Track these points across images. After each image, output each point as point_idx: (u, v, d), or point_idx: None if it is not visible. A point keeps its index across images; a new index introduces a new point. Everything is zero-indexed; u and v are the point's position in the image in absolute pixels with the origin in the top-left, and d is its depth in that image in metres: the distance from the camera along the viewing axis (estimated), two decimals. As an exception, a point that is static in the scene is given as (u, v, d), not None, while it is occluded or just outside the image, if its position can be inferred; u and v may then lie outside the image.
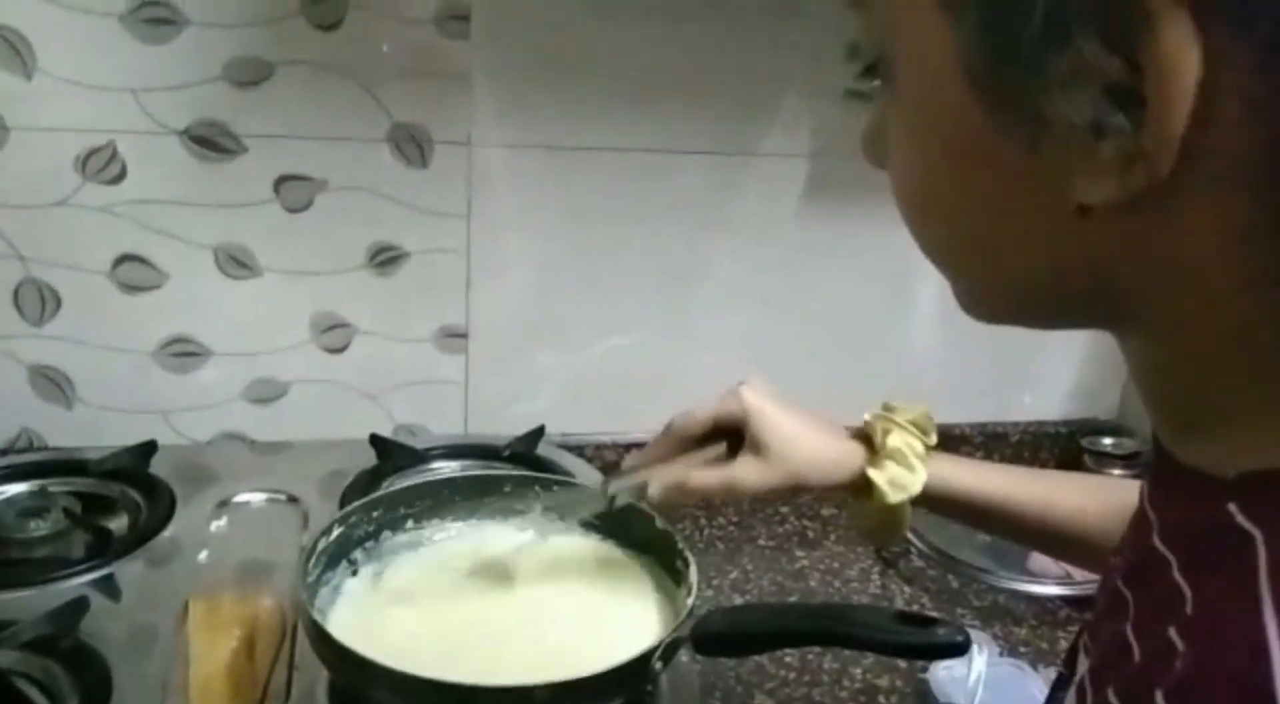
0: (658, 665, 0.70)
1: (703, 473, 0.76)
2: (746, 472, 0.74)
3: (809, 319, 1.31)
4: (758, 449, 0.75)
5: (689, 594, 0.76)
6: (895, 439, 0.74)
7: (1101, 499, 0.72)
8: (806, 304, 1.31)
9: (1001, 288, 0.41)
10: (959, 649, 0.63)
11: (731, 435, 0.77)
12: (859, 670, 0.99)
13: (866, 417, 0.78)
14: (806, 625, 0.67)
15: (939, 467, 0.75)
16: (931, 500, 0.75)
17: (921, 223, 0.42)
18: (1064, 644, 1.04)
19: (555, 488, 0.88)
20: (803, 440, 0.75)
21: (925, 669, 0.99)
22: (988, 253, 0.40)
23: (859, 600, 1.11)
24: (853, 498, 0.78)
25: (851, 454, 0.76)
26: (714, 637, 0.69)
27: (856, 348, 1.33)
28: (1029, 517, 0.74)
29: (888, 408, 0.78)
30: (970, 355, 1.40)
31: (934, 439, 0.76)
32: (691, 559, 0.79)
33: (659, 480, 0.77)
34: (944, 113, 0.37)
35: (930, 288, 1.35)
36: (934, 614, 0.68)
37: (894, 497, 0.73)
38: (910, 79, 0.38)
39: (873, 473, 0.74)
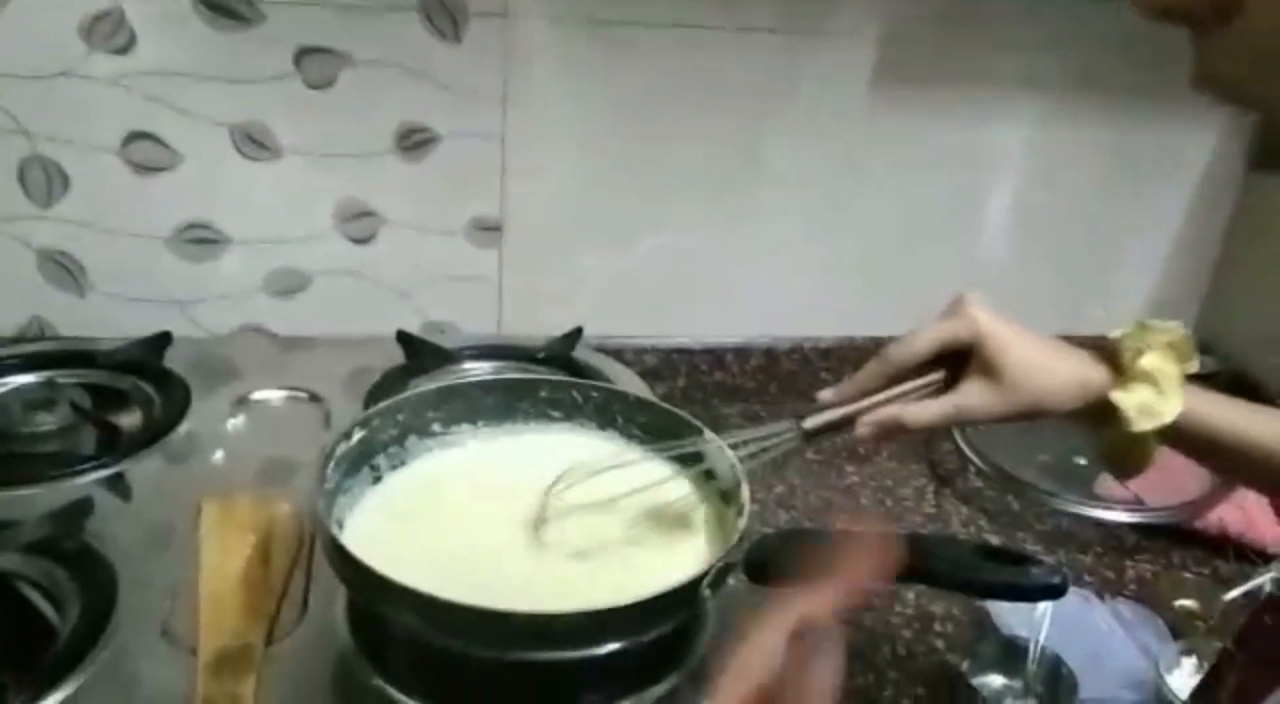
0: (707, 592, 0.63)
1: (920, 407, 0.68)
2: (975, 399, 0.66)
3: (871, 221, 1.22)
4: (990, 374, 0.66)
5: (741, 514, 0.69)
6: (1148, 361, 0.66)
7: None
8: (869, 204, 1.21)
9: None
10: (1056, 591, 0.56)
11: (951, 360, 0.68)
12: (913, 596, 0.93)
13: (1116, 333, 0.69)
14: (878, 557, 0.60)
15: (1196, 400, 0.66)
16: (1182, 436, 0.67)
17: None
18: (1132, 574, 0.97)
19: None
20: (1040, 363, 0.67)
21: (985, 596, 0.93)
22: None
23: (912, 521, 1.04)
24: (1092, 426, 0.69)
25: (1094, 377, 0.68)
26: (770, 565, 0.62)
27: (921, 254, 1.24)
28: None
29: (1142, 326, 0.68)
30: (1042, 265, 1.31)
31: (1195, 366, 0.67)
32: (743, 474, 0.72)
33: (870, 417, 0.69)
34: None
35: (1002, 191, 1.25)
36: (1021, 548, 0.60)
37: (1141, 424, 0.65)
38: None
39: (1117, 396, 0.66)
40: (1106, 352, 0.69)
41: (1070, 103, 1.21)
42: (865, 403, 0.69)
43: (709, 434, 0.76)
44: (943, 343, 0.68)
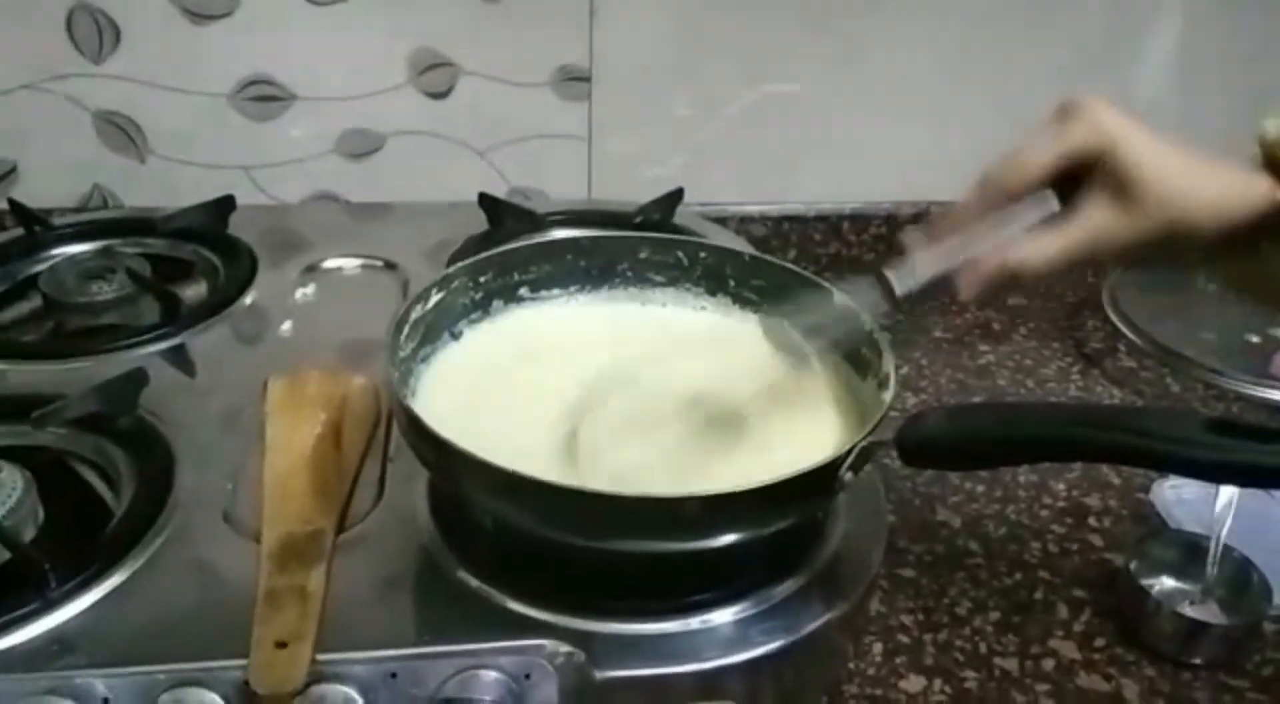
0: (846, 477, 0.53)
1: (1037, 246, 0.55)
2: (1108, 223, 0.53)
3: (1012, 63, 1.06)
4: (1124, 190, 0.53)
5: (883, 387, 0.58)
6: None
7: None
8: (1010, 43, 1.05)
9: None
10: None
11: (1066, 182, 0.55)
12: (1062, 486, 0.82)
13: (1269, 129, 0.55)
14: (1072, 433, 0.48)
15: None
16: None
17: None
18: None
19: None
20: (1185, 171, 0.54)
21: (1147, 487, 0.82)
22: None
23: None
24: (1250, 252, 0.56)
25: (1258, 183, 0.54)
26: (931, 445, 0.51)
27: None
28: None
29: None
30: (1208, 119, 1.14)
31: None
32: (885, 343, 0.61)
33: (973, 265, 0.56)
34: None
35: (1163, 32, 1.08)
36: (1264, 423, 0.49)
37: None
38: None
39: None
40: (1265, 153, 0.55)
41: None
42: (969, 252, 0.56)
43: (839, 297, 0.64)
44: (1065, 155, 0.55)
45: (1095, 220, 0.54)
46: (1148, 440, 0.44)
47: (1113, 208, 0.54)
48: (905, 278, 0.57)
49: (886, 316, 0.60)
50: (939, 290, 0.57)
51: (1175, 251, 0.55)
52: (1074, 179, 0.55)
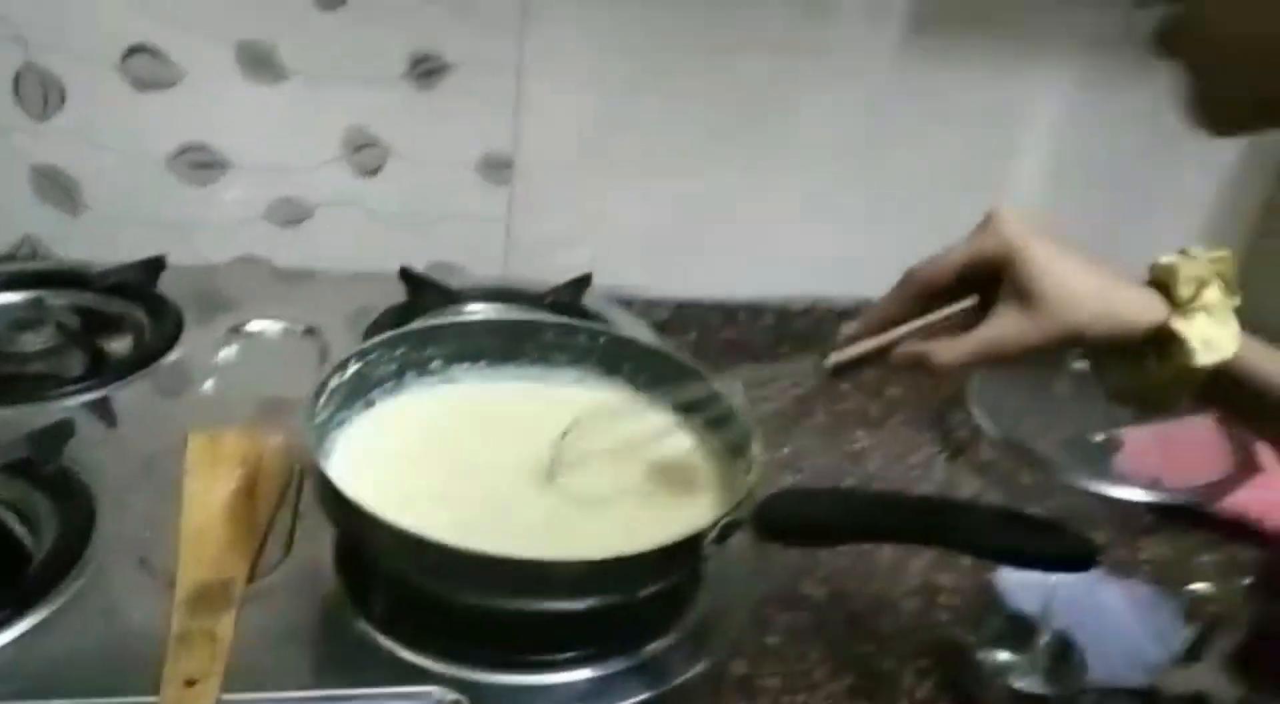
0: (711, 548, 0.60)
1: (948, 345, 0.61)
2: (1009, 329, 0.59)
3: (897, 176, 1.17)
4: (1026, 298, 0.59)
5: (749, 470, 0.66)
6: (1208, 290, 0.59)
7: None
8: (895, 159, 1.17)
9: None
10: (1084, 563, 0.52)
11: (984, 283, 0.62)
12: (919, 564, 0.90)
13: (1162, 260, 0.62)
14: (898, 520, 0.56)
15: (1245, 342, 0.60)
16: (1229, 378, 0.60)
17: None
18: (1147, 555, 0.94)
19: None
20: (1084, 286, 0.60)
21: (993, 569, 0.90)
22: None
23: (922, 490, 1.01)
24: (1134, 360, 0.62)
25: (1147, 303, 0.61)
26: (782, 523, 0.59)
27: (946, 213, 1.19)
28: None
29: (1186, 252, 0.62)
30: (1068, 233, 1.26)
31: (1238, 300, 0.61)
32: (755, 429, 0.68)
33: (895, 353, 0.62)
34: None
35: (1033, 152, 1.20)
36: (1051, 517, 0.57)
37: (1204, 357, 0.58)
38: None
39: (1180, 326, 0.59)
40: (1155, 279, 0.62)
41: (1108, 62, 1.15)
42: (894, 334, 0.63)
43: (719, 385, 0.72)
44: (971, 262, 0.61)
45: (1002, 324, 0.60)
46: (950, 529, 0.53)
47: (1018, 313, 0.59)
48: (838, 354, 0.65)
49: (820, 386, 0.67)
50: (867, 367, 0.65)
51: (1070, 348, 0.61)
52: (996, 282, 0.61)
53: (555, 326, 0.81)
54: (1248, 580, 0.88)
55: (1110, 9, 1.11)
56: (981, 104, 1.15)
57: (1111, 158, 1.22)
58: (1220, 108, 0.51)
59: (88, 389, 0.83)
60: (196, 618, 0.61)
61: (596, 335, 0.81)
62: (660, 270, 1.17)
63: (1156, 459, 1.05)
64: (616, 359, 0.80)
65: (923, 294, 0.63)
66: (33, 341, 0.87)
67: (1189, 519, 0.99)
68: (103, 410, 0.82)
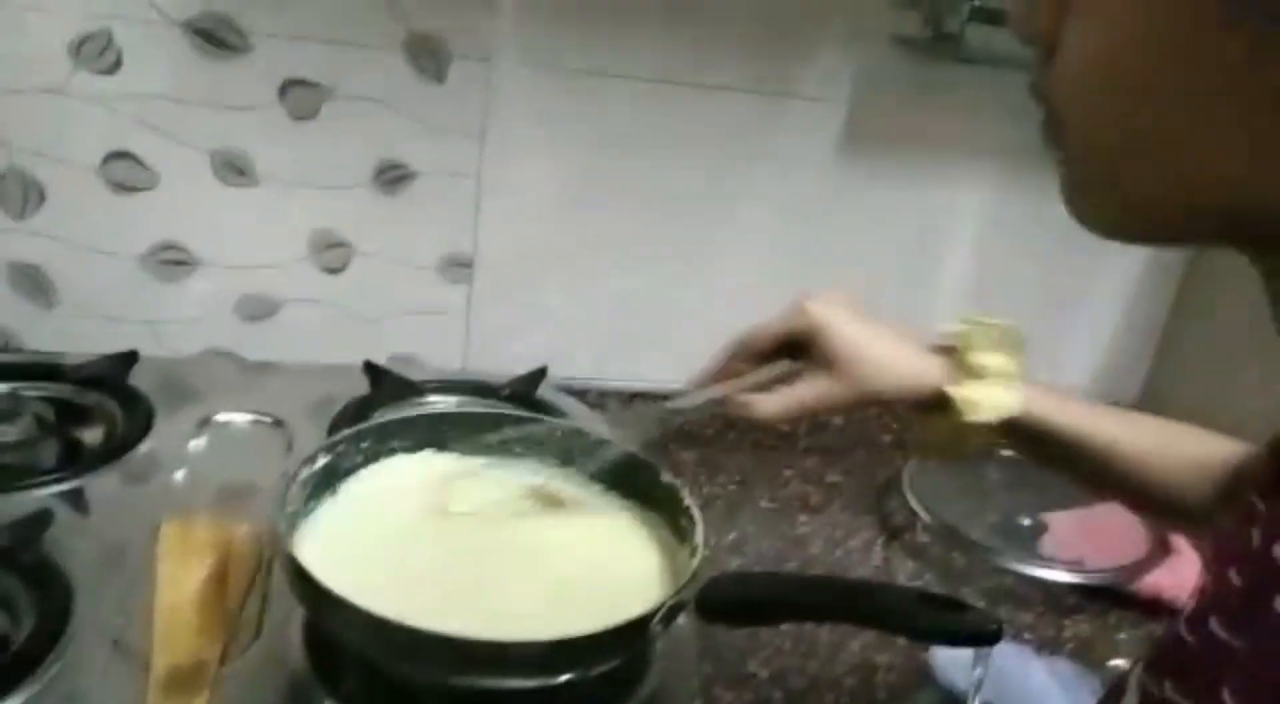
0: (658, 628, 0.65)
1: (766, 399, 0.71)
2: (815, 390, 0.70)
3: (832, 275, 1.24)
4: (827, 364, 0.70)
5: (694, 555, 0.71)
6: (985, 356, 0.70)
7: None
8: (831, 260, 1.25)
9: (1166, 192, 0.36)
10: (991, 638, 0.58)
11: (802, 351, 0.72)
12: (857, 645, 0.94)
13: (949, 328, 0.73)
14: (825, 601, 0.62)
15: (1037, 396, 0.71)
16: (1021, 430, 0.70)
17: (1104, 105, 0.37)
18: (1070, 632, 1.00)
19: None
20: (874, 351, 0.70)
21: (927, 648, 0.95)
22: (1168, 151, 0.35)
23: (860, 573, 1.06)
24: (925, 413, 0.73)
25: (931, 367, 0.72)
26: (721, 604, 0.64)
27: (878, 311, 1.28)
28: (1129, 466, 0.70)
29: (968, 319, 0.73)
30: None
31: (1023, 359, 0.71)
32: (698, 517, 0.74)
33: (726, 402, 0.73)
34: None
35: (959, 253, 1.29)
36: (961, 599, 0.63)
37: (983, 415, 0.69)
38: None
39: (953, 390, 0.70)
40: (945, 346, 0.73)
41: (1028, 171, 1.25)
42: (724, 388, 0.74)
43: (666, 476, 0.78)
44: (783, 335, 0.72)
45: (812, 385, 0.71)
46: (875, 609, 0.58)
47: (825, 377, 0.71)
48: (678, 401, 0.76)
49: (657, 429, 0.79)
50: (703, 410, 0.75)
51: (871, 405, 0.73)
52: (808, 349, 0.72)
53: (514, 419, 0.87)
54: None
55: (1027, 121, 1.20)
56: (910, 209, 1.24)
57: (1028, 261, 1.31)
58: (1086, 204, 0.43)
59: (62, 479, 0.87)
60: (171, 700, 0.64)
61: (553, 428, 0.86)
62: (609, 362, 1.23)
63: (1080, 542, 1.12)
64: (570, 450, 0.85)
65: (747, 357, 0.74)
66: (8, 432, 0.90)
67: (1110, 599, 1.05)
68: (77, 500, 0.85)
